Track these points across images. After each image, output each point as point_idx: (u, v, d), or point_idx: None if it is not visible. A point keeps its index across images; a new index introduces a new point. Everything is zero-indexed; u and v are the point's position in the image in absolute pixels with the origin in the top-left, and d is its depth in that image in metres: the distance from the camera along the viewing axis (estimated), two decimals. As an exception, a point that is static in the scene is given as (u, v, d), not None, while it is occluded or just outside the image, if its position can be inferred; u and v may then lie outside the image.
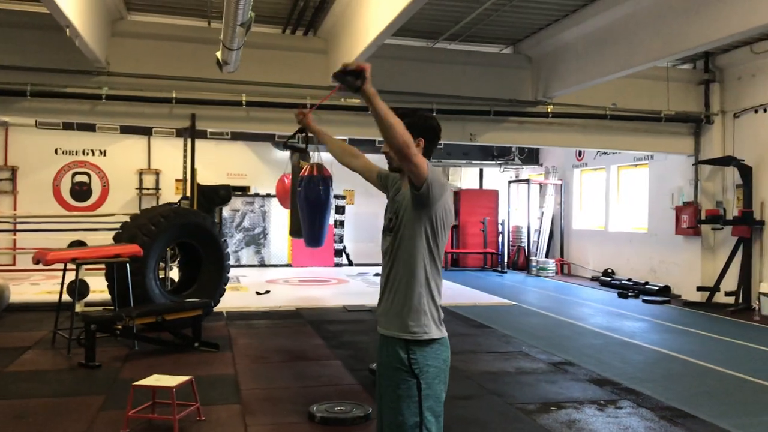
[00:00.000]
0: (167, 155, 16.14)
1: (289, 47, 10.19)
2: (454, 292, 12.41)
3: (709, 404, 5.50)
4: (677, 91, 11.22)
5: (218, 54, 7.23)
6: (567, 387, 6.01)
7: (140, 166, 16.30)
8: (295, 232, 12.84)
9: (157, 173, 16.37)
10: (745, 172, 10.65)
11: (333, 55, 9.91)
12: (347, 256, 17.26)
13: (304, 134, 3.80)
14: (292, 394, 5.64)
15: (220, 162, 15.89)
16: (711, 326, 9.28)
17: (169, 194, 16.12)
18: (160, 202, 15.82)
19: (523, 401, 5.51)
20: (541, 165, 17.62)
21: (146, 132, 15.76)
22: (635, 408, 5.36)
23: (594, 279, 14.73)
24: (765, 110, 10.58)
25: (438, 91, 10.46)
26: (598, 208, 15.45)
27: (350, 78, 2.48)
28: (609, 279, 13.93)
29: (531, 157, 17.63)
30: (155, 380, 4.75)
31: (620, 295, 12.19)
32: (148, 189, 16.34)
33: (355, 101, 10.16)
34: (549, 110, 10.78)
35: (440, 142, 11.81)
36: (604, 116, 11.01)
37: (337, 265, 16.99)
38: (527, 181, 17.01)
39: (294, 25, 10.07)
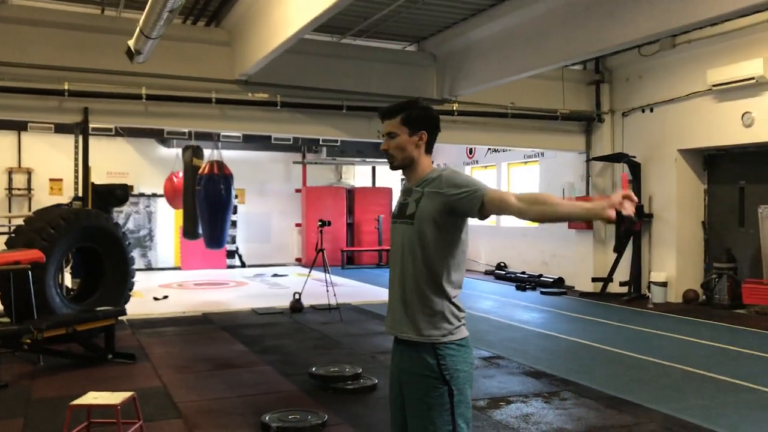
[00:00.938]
0: (41, 153, 14.94)
1: (191, 38, 9.66)
2: (358, 290, 12.34)
3: (641, 390, 5.73)
4: (571, 91, 11.72)
5: (130, 42, 6.70)
6: (506, 381, 6.07)
7: (10, 165, 14.95)
8: (189, 233, 12.37)
9: (28, 172, 15.08)
10: (635, 168, 11.30)
11: (238, 48, 9.50)
12: (240, 257, 16.72)
13: None
14: (233, 404, 5.31)
15: (99, 160, 14.84)
16: (612, 315, 9.75)
17: (43, 195, 14.91)
18: (33, 204, 14.61)
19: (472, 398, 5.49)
20: (433, 162, 17.86)
21: (17, 127, 14.52)
22: (579, 398, 5.50)
23: (488, 273, 15.15)
24: (651, 110, 11.26)
25: (346, 87, 10.31)
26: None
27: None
28: (504, 272, 14.38)
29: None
30: (93, 398, 4.29)
31: (518, 288, 12.59)
32: (18, 189, 15.01)
33: (263, 96, 9.82)
34: (454, 108, 10.92)
35: (337, 139, 11.67)
36: (505, 115, 11.31)
37: (230, 266, 16.43)
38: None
39: (197, 15, 9.57)
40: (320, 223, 9.75)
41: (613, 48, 8.66)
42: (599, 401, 5.41)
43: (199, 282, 13.53)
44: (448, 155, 17.13)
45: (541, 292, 12.08)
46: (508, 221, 15.10)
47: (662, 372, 6.44)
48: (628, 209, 2.22)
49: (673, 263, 10.93)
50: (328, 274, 9.47)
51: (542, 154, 13.72)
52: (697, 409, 5.19)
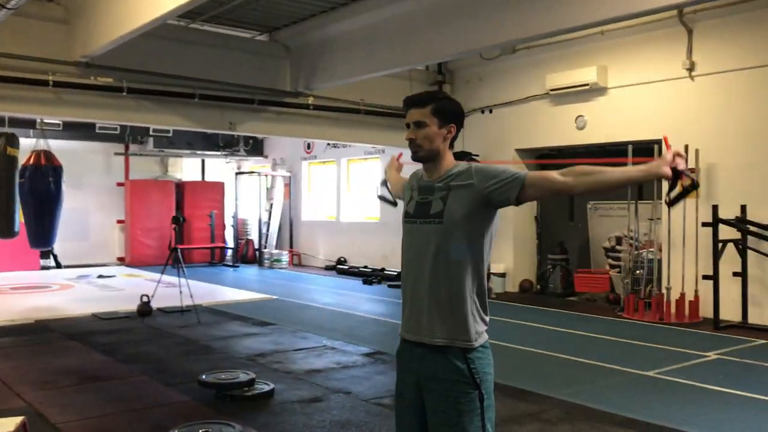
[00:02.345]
0: None
1: (22, 13, 8.53)
2: (203, 290, 11.70)
3: (531, 379, 5.99)
4: (416, 90, 12.00)
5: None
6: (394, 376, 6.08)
7: None
8: (4, 231, 10.99)
9: None
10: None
11: (79, 26, 8.57)
12: (55, 257, 15.17)
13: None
14: (125, 420, 4.79)
15: None
16: (463, 306, 10.17)
17: None
18: None
19: (374, 396, 5.44)
20: (266, 157, 17.53)
21: None
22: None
23: (328, 268, 15.15)
24: (491, 111, 11.90)
25: (196, 75, 9.72)
26: (328, 200, 15.89)
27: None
28: (346, 267, 14.45)
29: (256, 148, 17.42)
30: (-24, 429, 3.65)
31: (365, 282, 12.74)
32: None
33: (108, 80, 8.97)
34: (310, 102, 10.74)
35: (169, 129, 11.07)
36: (358, 111, 11.33)
37: (44, 267, 14.86)
38: (257, 173, 16.75)
39: (29, -14, 8.49)
40: (175, 219, 9.13)
41: (476, 51, 9.03)
42: (499, 391, 5.57)
43: (17, 286, 12.10)
44: (283, 149, 16.88)
45: (389, 286, 12.30)
46: (348, 216, 15.22)
47: (534, 359, 6.82)
48: (682, 165, 2.22)
49: (511, 255, 11.65)
50: (183, 274, 8.85)
51: (383, 150, 13.95)
52: (590, 393, 5.54)
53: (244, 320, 8.83)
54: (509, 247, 11.65)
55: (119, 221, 16.46)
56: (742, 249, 8.41)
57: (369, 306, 10.22)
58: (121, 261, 16.30)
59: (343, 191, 15.47)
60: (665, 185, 8.52)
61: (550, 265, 11.16)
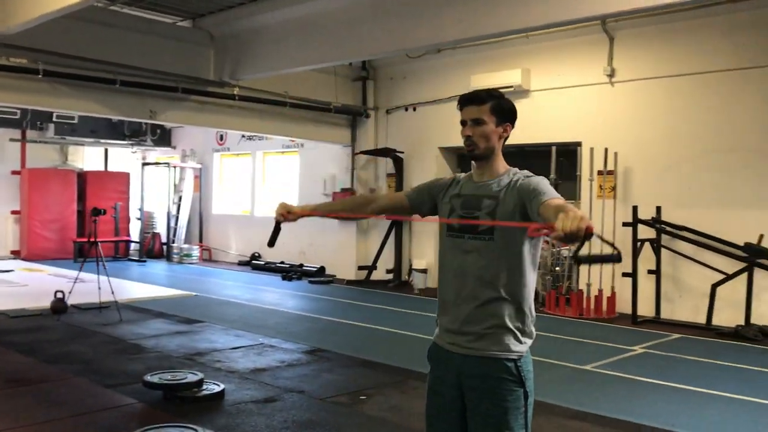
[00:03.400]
0: None
1: None
2: (116, 286, 11.15)
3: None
4: (340, 86, 11.97)
5: None
6: (347, 374, 6.04)
7: None
8: None
9: None
10: (399, 163, 11.95)
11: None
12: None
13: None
14: (72, 427, 4.48)
15: None
16: (391, 301, 10.23)
17: None
18: None
19: (329, 395, 5.36)
20: (175, 147, 16.90)
21: None
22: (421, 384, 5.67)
23: (242, 263, 14.81)
24: (414, 109, 12.00)
25: (118, 60, 9.22)
26: (242, 193, 15.52)
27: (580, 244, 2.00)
28: (262, 263, 14.17)
29: (164, 138, 16.76)
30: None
31: (284, 278, 12.54)
32: None
33: (22, 61, 8.35)
34: (235, 93, 10.43)
35: (74, 115, 10.51)
36: (284, 104, 11.12)
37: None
38: (167, 164, 16.10)
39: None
40: (95, 211, 8.63)
41: (414, 49, 9.06)
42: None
43: None
44: (193, 140, 16.34)
45: (310, 281, 12.18)
46: (263, 210, 14.93)
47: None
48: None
49: (432, 252, 11.80)
50: (105, 270, 8.36)
51: (302, 144, 13.78)
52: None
53: (168, 318, 8.48)
54: (431, 244, 11.80)
55: (14, 212, 15.37)
56: (656, 248, 8.91)
57: (295, 302, 10.08)
58: (16, 254, 15.23)
59: (258, 185, 15.15)
60: (585, 186, 8.71)
61: (471, 261, 11.39)
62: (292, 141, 13.80)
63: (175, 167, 16.12)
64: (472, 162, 2.56)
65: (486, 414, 2.39)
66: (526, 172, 2.48)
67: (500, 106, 2.49)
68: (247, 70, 9.97)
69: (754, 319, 8.05)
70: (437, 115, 11.61)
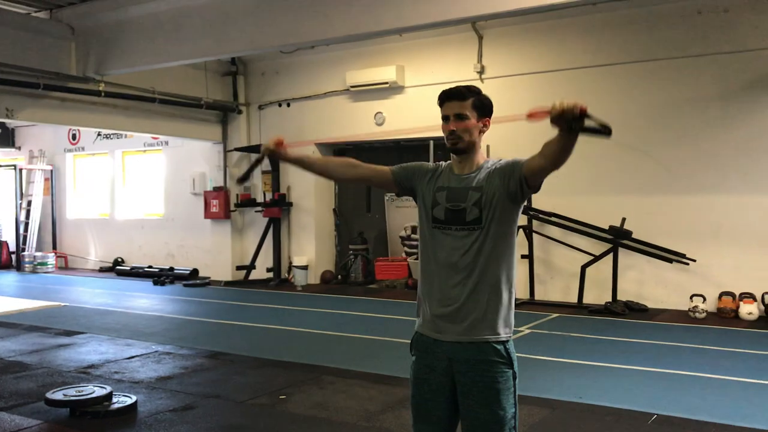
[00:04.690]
0: None
1: None
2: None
3: (365, 361, 6.23)
4: (211, 81, 11.64)
5: None
6: (258, 375, 5.94)
7: None
8: None
9: None
10: (274, 159, 11.78)
11: None
12: None
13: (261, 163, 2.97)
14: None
15: None
16: (276, 299, 10.13)
17: None
18: None
19: (246, 398, 5.25)
20: (20, 148, 15.59)
21: None
22: (336, 379, 5.73)
23: (104, 270, 14.00)
24: (288, 105, 11.91)
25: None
26: (101, 196, 14.64)
27: (575, 123, 2.14)
28: (127, 268, 13.46)
29: (6, 138, 15.42)
30: None
31: (156, 283, 12.00)
32: None
33: None
34: (101, 89, 9.82)
35: None
36: (153, 100, 10.63)
37: None
38: (12, 166, 14.80)
39: None
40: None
41: (305, 43, 8.98)
42: (353, 379, 5.73)
43: None
44: (42, 140, 15.18)
45: (184, 285, 11.76)
46: (124, 213, 14.21)
47: (357, 343, 7.09)
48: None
49: (312, 248, 11.82)
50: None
51: (167, 142, 13.24)
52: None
53: (43, 331, 7.87)
54: (310, 240, 11.81)
55: None
56: (529, 233, 9.50)
57: (176, 307, 9.71)
58: None
59: (118, 186, 14.36)
60: None
61: (352, 254, 11.52)
62: (155, 138, 13.23)
63: (21, 170, 14.88)
64: (453, 155, 2.65)
65: (479, 396, 2.49)
66: (500, 158, 2.61)
67: (480, 102, 2.59)
68: (113, 65, 9.42)
69: (620, 296, 8.84)
70: (313, 111, 11.62)
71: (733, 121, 8.46)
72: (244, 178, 3.09)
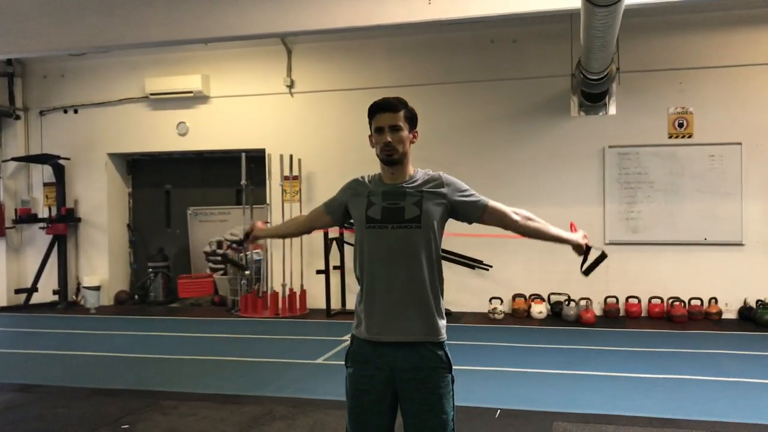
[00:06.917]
0: None
1: None
2: None
3: (202, 382, 6.02)
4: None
5: None
6: (87, 406, 5.42)
7: None
8: None
9: None
10: (60, 170, 10.77)
11: None
12: None
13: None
14: None
15: None
16: (68, 324, 9.24)
17: None
18: None
19: (85, 431, 4.79)
20: None
21: None
22: (177, 403, 5.44)
23: None
24: (76, 111, 10.95)
25: None
26: None
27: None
28: None
29: None
30: None
31: None
32: None
33: None
34: None
35: None
36: None
37: None
38: None
39: None
40: None
41: (101, 48, 8.32)
42: (238, 405, 5.50)
43: None
44: None
45: (-50, 313, 10.25)
46: None
47: (191, 362, 6.82)
48: (589, 242, 2.90)
49: (106, 266, 10.96)
50: None
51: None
52: (294, 388, 5.87)
53: None
54: (103, 259, 10.94)
55: None
56: (340, 245, 9.74)
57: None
58: None
59: None
60: (276, 190, 9.06)
61: (151, 272, 10.88)
62: None
63: None
64: (384, 167, 2.71)
65: (422, 402, 2.57)
66: (437, 171, 2.75)
67: (411, 113, 2.71)
68: None
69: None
70: (106, 119, 10.82)
71: (522, 141, 9.43)
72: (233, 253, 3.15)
